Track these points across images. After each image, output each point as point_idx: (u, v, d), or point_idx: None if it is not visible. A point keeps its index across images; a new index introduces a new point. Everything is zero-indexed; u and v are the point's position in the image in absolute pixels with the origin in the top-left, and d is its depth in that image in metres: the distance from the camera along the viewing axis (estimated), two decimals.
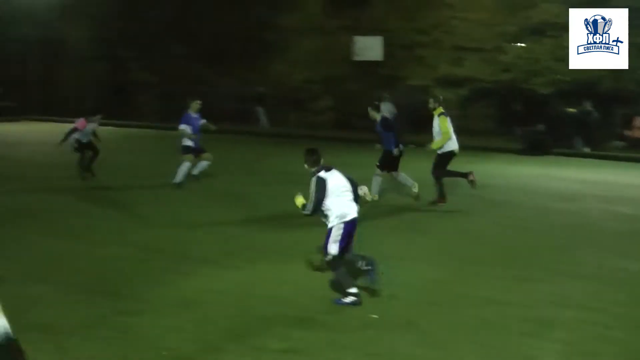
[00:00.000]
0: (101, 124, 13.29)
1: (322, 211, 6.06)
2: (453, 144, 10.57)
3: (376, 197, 10.66)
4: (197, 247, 8.01)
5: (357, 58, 23.59)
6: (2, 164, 15.27)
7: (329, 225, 6.00)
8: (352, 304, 5.89)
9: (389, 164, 10.92)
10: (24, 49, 28.20)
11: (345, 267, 6.11)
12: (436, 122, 10.54)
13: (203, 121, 12.11)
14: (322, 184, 5.99)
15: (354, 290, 5.92)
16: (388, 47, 22.78)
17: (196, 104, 12.01)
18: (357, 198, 6.18)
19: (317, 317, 5.68)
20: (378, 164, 10.92)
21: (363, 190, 6.52)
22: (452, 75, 21.57)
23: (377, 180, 10.92)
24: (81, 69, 27.55)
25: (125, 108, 26.18)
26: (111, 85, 27.47)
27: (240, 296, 6.22)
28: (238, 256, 7.59)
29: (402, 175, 11.03)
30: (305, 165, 6.20)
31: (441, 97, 10.87)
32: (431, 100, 10.74)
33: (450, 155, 10.62)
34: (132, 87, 26.39)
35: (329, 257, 6.00)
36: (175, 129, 11.96)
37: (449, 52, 21.19)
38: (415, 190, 10.82)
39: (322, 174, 6.08)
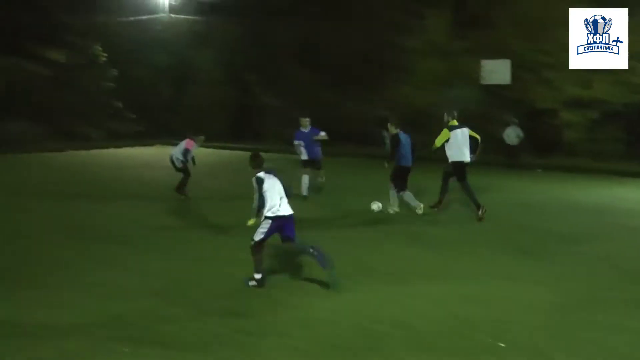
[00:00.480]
0: (230, 148, 15.39)
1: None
2: (460, 156, 12.97)
3: (420, 210, 13.16)
4: (314, 268, 8.63)
5: (484, 82, 25.26)
6: (132, 185, 17.88)
7: (261, 219, 7.98)
8: (254, 286, 8.04)
9: (400, 178, 13.07)
10: (155, 75, 32.31)
11: (262, 255, 8.24)
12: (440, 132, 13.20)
13: (322, 134, 15.02)
14: (260, 182, 8.12)
15: (259, 276, 8.07)
16: (513, 69, 24.64)
17: (305, 121, 14.94)
18: (289, 198, 8.29)
19: (430, 339, 6.38)
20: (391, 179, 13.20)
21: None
22: (580, 97, 23.22)
23: (393, 194, 13.28)
24: (209, 94, 31.40)
25: (252, 132, 29.12)
26: (238, 109, 30.55)
27: (353, 316, 6.95)
28: (350, 277, 8.36)
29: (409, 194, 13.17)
30: (250, 167, 8.30)
31: (455, 113, 13.13)
32: (445, 115, 13.26)
33: (459, 165, 13.02)
34: (258, 111, 29.37)
35: (252, 243, 8.04)
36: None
37: (577, 73, 22.53)
38: (420, 211, 13.07)
39: (261, 174, 8.18)
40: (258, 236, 8.06)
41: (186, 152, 15.10)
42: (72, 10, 30.01)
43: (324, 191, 15.69)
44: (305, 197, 14.61)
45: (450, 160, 13.08)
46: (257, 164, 8.33)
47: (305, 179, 14.83)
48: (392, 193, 13.27)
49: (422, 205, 13.09)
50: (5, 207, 13.96)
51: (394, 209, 13.28)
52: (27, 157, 24.63)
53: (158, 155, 25.63)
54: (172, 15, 32.04)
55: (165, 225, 12.11)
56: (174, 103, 32.10)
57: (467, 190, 13.15)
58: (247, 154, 22.23)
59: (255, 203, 8.10)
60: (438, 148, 13.05)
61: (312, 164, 14.97)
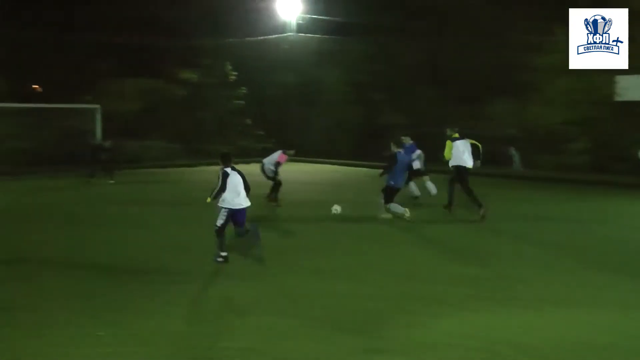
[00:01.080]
0: (356, 165, 16.31)
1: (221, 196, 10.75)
2: (460, 161, 15.83)
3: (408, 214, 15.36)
4: (442, 288, 9.39)
5: (619, 98, 25.95)
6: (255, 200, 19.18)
7: (221, 207, 10.80)
8: (220, 262, 10.70)
9: (389, 195, 15.45)
10: (283, 94, 35.14)
11: (224, 238, 10.78)
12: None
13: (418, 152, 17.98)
14: (225, 175, 10.70)
15: (224, 254, 10.81)
16: None
17: (406, 139, 17.62)
18: (247, 194, 10.93)
19: None
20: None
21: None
22: None
23: (381, 204, 15.60)
24: (336, 112, 33.79)
25: (378, 150, 29.73)
26: (364, 128, 31.26)
27: (485, 341, 7.15)
28: (480, 299, 8.78)
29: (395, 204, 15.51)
30: (219, 164, 10.86)
31: (457, 128, 16.28)
32: (448, 130, 16.40)
33: (461, 169, 15.86)
34: (384, 129, 30.04)
35: (215, 227, 10.76)
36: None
37: None
38: (407, 215, 15.29)
39: (228, 170, 10.76)
40: (219, 222, 10.81)
41: (277, 164, 18.10)
42: (205, 32, 33.70)
43: (432, 209, 17.05)
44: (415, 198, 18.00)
45: (451, 165, 16.04)
46: (225, 161, 10.90)
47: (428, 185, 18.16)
48: (381, 203, 15.60)
49: (407, 210, 15.37)
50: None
51: (384, 215, 15.59)
52: (163, 172, 27.81)
53: (283, 171, 26.89)
54: (300, 35, 33.33)
55: (279, 242, 13.03)
56: (302, 121, 33.20)
57: (468, 193, 15.88)
58: (373, 171, 22.82)
59: (217, 189, 10.72)
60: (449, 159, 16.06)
61: (416, 174, 17.82)
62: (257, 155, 33.24)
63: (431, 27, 30.79)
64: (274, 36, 34.99)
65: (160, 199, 19.69)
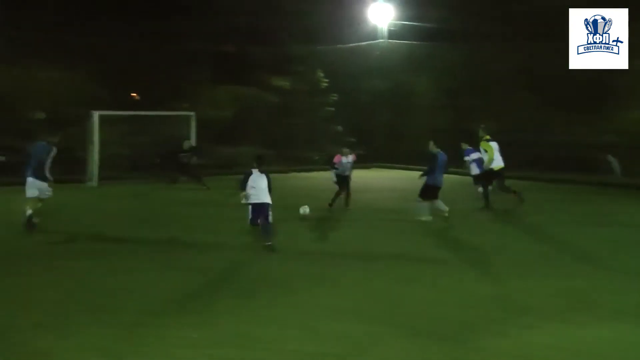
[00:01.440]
0: (448, 172, 16.92)
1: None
2: (499, 162, 17.88)
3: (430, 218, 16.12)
4: (532, 297, 9.35)
5: None
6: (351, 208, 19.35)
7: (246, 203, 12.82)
8: (269, 246, 12.49)
9: (429, 193, 16.09)
10: (374, 100, 35.47)
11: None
12: (482, 147, 18.08)
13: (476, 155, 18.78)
14: (246, 175, 12.64)
15: (269, 243, 12.51)
16: None
17: (465, 145, 19.32)
18: (269, 191, 12.66)
19: None
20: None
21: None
22: None
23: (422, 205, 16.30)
24: (426, 118, 33.66)
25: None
26: (456, 134, 31.04)
27: (565, 353, 7.06)
28: (580, 311, 8.60)
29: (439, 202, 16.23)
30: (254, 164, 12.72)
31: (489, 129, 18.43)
32: (481, 130, 18.48)
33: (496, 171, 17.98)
34: (475, 135, 29.81)
35: (248, 221, 12.87)
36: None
37: None
38: (446, 214, 16.07)
39: (252, 170, 12.63)
40: (249, 217, 12.85)
41: (333, 165, 19.05)
42: (297, 40, 34.22)
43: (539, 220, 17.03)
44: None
45: (495, 167, 17.90)
46: (257, 164, 12.70)
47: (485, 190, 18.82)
48: (422, 206, 16.24)
49: (446, 210, 16.16)
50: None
51: (426, 217, 16.14)
52: None
53: (373, 178, 28.54)
54: (391, 41, 33.47)
55: (361, 248, 13.32)
56: (393, 127, 33.32)
57: (486, 190, 18.18)
58: (464, 179, 23.00)
59: (241, 186, 12.69)
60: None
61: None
62: None
63: (523, 31, 30.42)
64: (365, 43, 35.23)
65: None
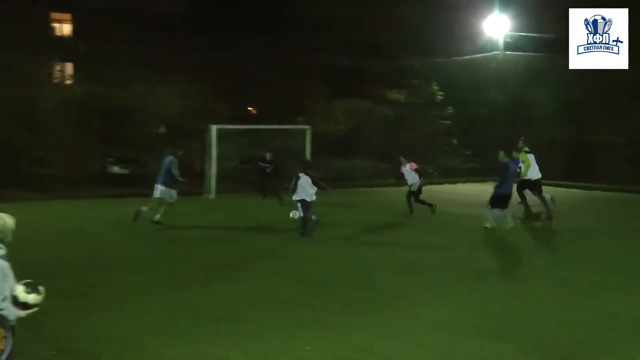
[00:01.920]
0: (561, 186, 16.93)
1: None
2: (537, 174, 19.46)
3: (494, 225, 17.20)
4: None
5: None
6: (467, 221, 19.39)
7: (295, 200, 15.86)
8: (309, 232, 15.81)
9: (500, 202, 17.08)
10: (491, 112, 35.36)
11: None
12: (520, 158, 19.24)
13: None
14: (296, 178, 15.73)
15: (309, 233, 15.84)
16: None
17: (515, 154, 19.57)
18: (319, 190, 15.98)
19: None
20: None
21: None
22: None
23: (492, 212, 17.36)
24: (545, 131, 32.78)
25: (590, 170, 28.73)
26: (575, 147, 30.26)
27: None
28: None
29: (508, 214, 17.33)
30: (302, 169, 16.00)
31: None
32: (521, 142, 20.34)
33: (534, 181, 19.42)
34: (597, 148, 28.92)
35: (300, 217, 15.79)
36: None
37: None
38: (511, 225, 17.15)
39: (300, 174, 15.80)
40: (302, 212, 15.73)
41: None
42: (412, 52, 34.30)
43: None
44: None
45: (527, 178, 19.25)
46: (303, 167, 16.27)
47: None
48: (491, 211, 17.24)
49: (511, 224, 17.18)
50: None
51: (491, 224, 17.20)
52: (367, 191, 28.37)
53: (488, 192, 26.86)
54: (507, 53, 32.78)
55: (482, 264, 13.42)
56: (509, 140, 32.54)
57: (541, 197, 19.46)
58: (584, 192, 22.59)
59: (290, 188, 15.93)
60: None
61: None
62: (464, 174, 33.54)
63: None
64: (480, 55, 34.86)
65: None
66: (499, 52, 34.73)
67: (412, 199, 19.96)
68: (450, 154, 34.52)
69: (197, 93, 28.55)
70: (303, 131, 27.81)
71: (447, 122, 34.58)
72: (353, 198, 24.96)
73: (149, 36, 31.39)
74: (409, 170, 19.95)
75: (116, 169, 27.33)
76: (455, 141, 34.67)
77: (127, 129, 27.20)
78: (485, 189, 28.56)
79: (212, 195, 25.53)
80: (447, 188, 30.16)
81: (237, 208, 22.44)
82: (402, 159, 20.46)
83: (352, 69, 34.42)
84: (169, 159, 17.37)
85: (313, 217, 15.89)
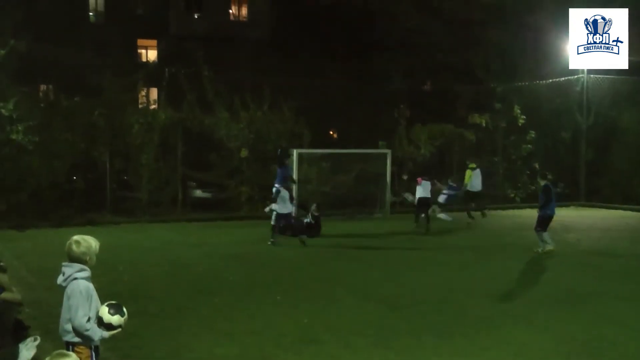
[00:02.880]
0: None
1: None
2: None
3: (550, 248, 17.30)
4: None
5: None
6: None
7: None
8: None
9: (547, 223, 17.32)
10: (575, 136, 34.66)
11: None
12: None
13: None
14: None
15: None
16: None
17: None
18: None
19: None
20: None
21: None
22: None
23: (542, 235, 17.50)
24: (631, 155, 32.05)
25: None
26: None
27: None
28: None
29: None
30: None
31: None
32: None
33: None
34: None
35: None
36: None
37: None
38: (550, 247, 17.10)
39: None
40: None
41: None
42: (495, 76, 34.42)
43: None
44: None
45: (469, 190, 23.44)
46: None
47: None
48: (541, 235, 17.28)
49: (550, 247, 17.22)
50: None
51: (548, 247, 17.17)
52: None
53: (571, 217, 27.70)
54: (592, 76, 31.80)
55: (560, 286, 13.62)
56: (595, 164, 31.70)
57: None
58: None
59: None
60: None
61: None
62: None
63: None
64: (564, 78, 33.85)
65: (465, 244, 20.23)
66: (583, 75, 33.43)
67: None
68: (532, 179, 33.46)
69: (279, 117, 28.72)
70: (384, 155, 27.73)
71: (529, 146, 33.74)
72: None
73: (233, 60, 32.05)
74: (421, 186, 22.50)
75: (198, 193, 27.88)
76: (537, 165, 33.56)
77: (210, 153, 27.57)
78: (569, 214, 28.77)
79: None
80: (529, 213, 29.19)
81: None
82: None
83: (434, 93, 34.24)
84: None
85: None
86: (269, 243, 18.81)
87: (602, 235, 22.06)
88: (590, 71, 33.70)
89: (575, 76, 33.86)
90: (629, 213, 29.03)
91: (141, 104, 30.10)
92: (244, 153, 27.30)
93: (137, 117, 26.34)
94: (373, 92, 32.80)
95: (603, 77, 33.30)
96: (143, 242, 19.98)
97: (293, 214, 20.58)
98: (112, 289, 11.78)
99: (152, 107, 31.06)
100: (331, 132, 36.61)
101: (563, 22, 33.47)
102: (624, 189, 31.76)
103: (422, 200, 22.61)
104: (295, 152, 25.96)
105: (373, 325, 10.30)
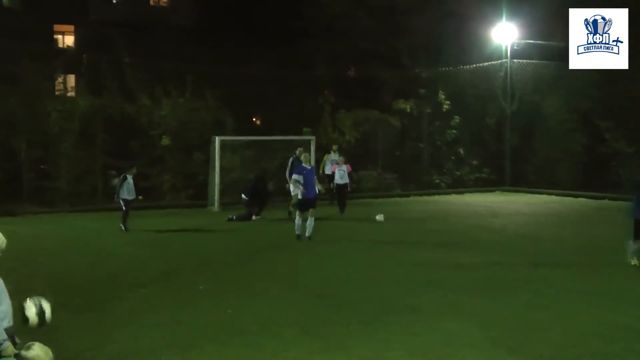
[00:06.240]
0: (577, 195, 16.73)
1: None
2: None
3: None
4: None
5: None
6: (478, 233, 19.72)
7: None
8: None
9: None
10: (499, 122, 35.89)
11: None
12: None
13: None
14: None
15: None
16: None
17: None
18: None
19: None
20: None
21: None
22: None
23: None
24: (557, 141, 33.31)
25: (602, 180, 28.93)
26: (588, 157, 30.49)
27: None
28: None
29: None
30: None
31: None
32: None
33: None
34: (609, 158, 29.17)
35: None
36: None
37: None
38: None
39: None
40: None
41: None
42: (419, 62, 35.00)
43: None
44: None
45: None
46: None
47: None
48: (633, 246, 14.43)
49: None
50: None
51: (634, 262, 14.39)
52: (376, 202, 29.15)
53: (497, 202, 28.42)
54: (516, 61, 33.19)
55: (491, 270, 13.93)
56: (518, 150, 32.99)
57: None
58: (596, 202, 22.97)
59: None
60: None
61: None
62: (472, 185, 34.11)
63: None
64: (488, 63, 35.09)
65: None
66: (506, 60, 34.87)
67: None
68: (458, 164, 34.90)
69: (202, 105, 29.11)
70: (308, 142, 28.08)
71: (454, 132, 34.84)
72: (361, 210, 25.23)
73: (154, 47, 32.04)
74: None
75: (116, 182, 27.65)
76: (462, 151, 35.02)
77: (131, 141, 27.79)
78: (494, 200, 29.71)
79: (216, 208, 26.04)
80: (455, 199, 30.71)
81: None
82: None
83: (359, 79, 34.74)
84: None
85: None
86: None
87: (528, 220, 22.61)
88: (513, 56, 35.03)
89: (499, 61, 35.02)
90: (553, 197, 29.97)
91: (58, 91, 30.14)
92: (165, 141, 27.75)
93: (55, 105, 26.46)
94: (298, 79, 33.11)
95: (527, 62, 34.34)
96: (64, 233, 20.03)
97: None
98: (34, 281, 11.91)
99: (70, 94, 31.31)
100: (254, 119, 36.86)
101: (487, 8, 34.66)
102: (547, 174, 32.97)
103: (339, 185, 24.29)
104: (217, 140, 26.36)
105: (300, 314, 10.41)
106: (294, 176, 18.31)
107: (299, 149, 23.85)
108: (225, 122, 29.60)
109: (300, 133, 30.35)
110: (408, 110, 34.14)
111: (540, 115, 34.54)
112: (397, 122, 33.94)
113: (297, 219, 17.91)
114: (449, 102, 34.63)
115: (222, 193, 26.73)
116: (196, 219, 23.20)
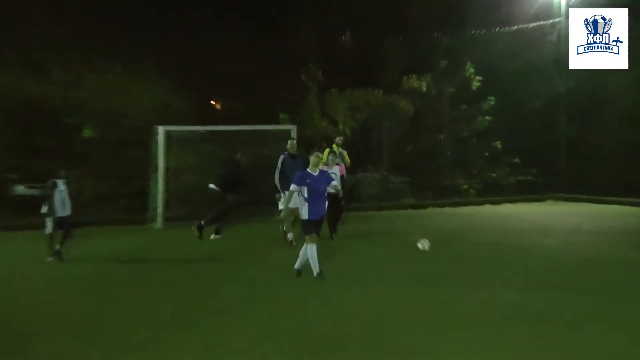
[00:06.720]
0: None
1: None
2: None
3: None
4: None
5: None
6: (524, 260, 18.63)
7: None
8: None
9: None
10: (549, 106, 34.46)
11: None
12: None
13: None
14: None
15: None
16: None
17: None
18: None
19: None
20: None
21: None
22: None
23: None
24: (627, 130, 31.56)
25: None
26: None
27: None
28: None
29: None
30: None
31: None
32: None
33: None
34: None
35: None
36: None
37: None
38: None
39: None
40: None
41: None
42: (437, 25, 34.01)
43: None
44: None
45: None
46: None
47: None
48: None
49: None
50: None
51: None
52: (380, 215, 27.81)
53: (549, 215, 27.28)
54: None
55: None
56: (579, 143, 33.29)
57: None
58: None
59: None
60: None
61: None
62: (513, 192, 32.62)
63: None
64: (534, 24, 33.89)
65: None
66: (560, 19, 33.76)
67: None
68: (492, 162, 33.65)
69: (140, 82, 28.00)
70: (286, 132, 26.46)
71: (488, 118, 33.43)
72: (358, 227, 23.71)
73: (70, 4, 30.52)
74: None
75: (21, 189, 26.31)
76: (498, 145, 33.68)
77: (37, 133, 26.33)
78: (544, 212, 29.08)
79: (159, 225, 24.60)
80: (488, 210, 29.43)
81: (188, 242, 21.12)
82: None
83: (357, 49, 33.98)
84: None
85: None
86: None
87: (594, 240, 20.58)
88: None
89: (550, 21, 33.88)
90: (626, 208, 28.77)
91: None
92: (87, 132, 26.72)
93: None
94: (274, 49, 31.94)
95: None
96: None
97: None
98: None
99: None
100: (213, 103, 35.65)
101: None
102: (618, 177, 31.17)
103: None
104: (161, 130, 24.73)
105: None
106: (293, 187, 16.19)
107: (290, 141, 21.31)
108: (173, 106, 28.42)
109: (277, 121, 29.29)
110: (423, 89, 32.88)
111: (608, 95, 32.76)
112: (408, 105, 32.49)
113: (305, 248, 15.29)
114: (479, 78, 33.40)
115: (168, 204, 25.17)
116: (131, 241, 21.76)
